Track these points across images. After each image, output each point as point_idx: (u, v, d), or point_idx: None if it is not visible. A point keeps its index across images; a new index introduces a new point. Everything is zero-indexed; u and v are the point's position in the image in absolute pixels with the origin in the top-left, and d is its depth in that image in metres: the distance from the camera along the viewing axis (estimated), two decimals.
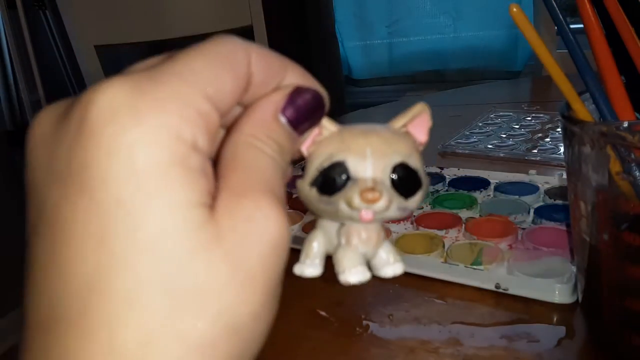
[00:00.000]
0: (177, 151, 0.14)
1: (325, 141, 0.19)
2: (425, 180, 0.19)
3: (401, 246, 0.44)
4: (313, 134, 0.19)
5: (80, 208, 0.14)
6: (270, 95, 0.18)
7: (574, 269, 0.37)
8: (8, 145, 1.48)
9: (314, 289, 0.40)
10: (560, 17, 0.29)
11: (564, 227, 0.44)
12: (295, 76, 0.19)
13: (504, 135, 0.72)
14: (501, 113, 0.83)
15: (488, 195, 0.52)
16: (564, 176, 0.52)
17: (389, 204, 0.18)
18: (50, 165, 0.15)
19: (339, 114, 1.45)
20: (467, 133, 0.74)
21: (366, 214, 0.18)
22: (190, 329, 0.14)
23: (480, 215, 0.48)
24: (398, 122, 0.20)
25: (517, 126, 0.76)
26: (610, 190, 0.27)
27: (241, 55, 0.16)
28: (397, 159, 0.19)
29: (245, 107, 0.18)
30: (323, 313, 0.37)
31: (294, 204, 0.56)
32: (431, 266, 0.41)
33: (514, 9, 0.27)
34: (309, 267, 0.20)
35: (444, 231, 0.46)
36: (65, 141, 0.15)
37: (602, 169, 0.28)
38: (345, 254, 0.19)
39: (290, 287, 0.36)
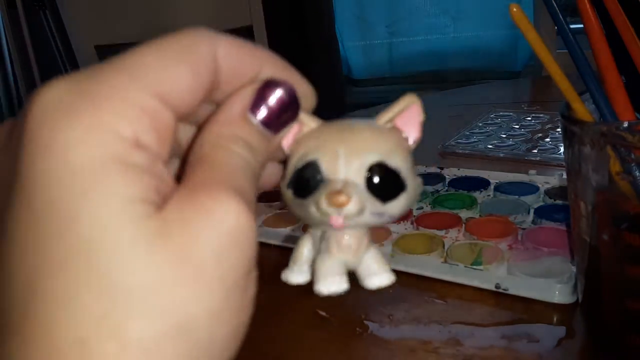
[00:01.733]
0: (114, 149, 0.14)
1: (304, 139, 0.18)
2: (411, 182, 0.17)
3: (401, 246, 0.44)
4: (293, 131, 0.18)
5: (19, 211, 0.14)
6: (239, 91, 0.17)
7: (574, 269, 0.37)
8: None
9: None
10: (560, 17, 0.29)
11: (564, 227, 0.44)
12: (272, 69, 0.17)
13: (504, 135, 0.72)
14: (501, 113, 0.83)
15: (488, 195, 0.52)
16: (564, 176, 0.52)
17: (360, 208, 0.16)
18: (2, 174, 0.15)
19: (339, 114, 1.45)
20: (467, 133, 0.74)
21: (336, 219, 0.16)
22: (128, 328, 0.13)
23: (480, 215, 0.48)
24: (384, 117, 0.18)
25: (517, 126, 0.76)
26: (610, 190, 0.27)
27: (204, 48, 0.15)
28: (373, 158, 0.17)
29: (218, 104, 0.17)
30: (323, 313, 0.37)
31: None
32: (431, 266, 0.41)
33: (514, 9, 0.27)
34: (296, 274, 0.19)
35: (444, 231, 0.46)
36: (11, 147, 0.14)
37: (602, 169, 0.28)
38: (323, 262, 0.18)
39: (290, 287, 0.36)
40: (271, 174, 0.19)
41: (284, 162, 0.18)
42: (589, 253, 0.30)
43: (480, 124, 0.78)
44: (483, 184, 0.54)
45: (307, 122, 0.18)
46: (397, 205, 0.17)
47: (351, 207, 0.16)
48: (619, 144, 0.26)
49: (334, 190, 0.16)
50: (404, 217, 0.49)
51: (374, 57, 1.75)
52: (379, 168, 0.17)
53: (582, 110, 0.29)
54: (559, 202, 0.49)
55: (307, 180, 0.17)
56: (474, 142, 0.71)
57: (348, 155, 0.17)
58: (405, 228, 0.48)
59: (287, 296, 0.36)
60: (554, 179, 0.54)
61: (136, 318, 0.13)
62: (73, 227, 0.13)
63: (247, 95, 0.17)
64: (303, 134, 0.18)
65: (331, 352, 0.34)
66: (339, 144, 0.17)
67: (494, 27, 1.61)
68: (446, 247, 0.43)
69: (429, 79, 1.74)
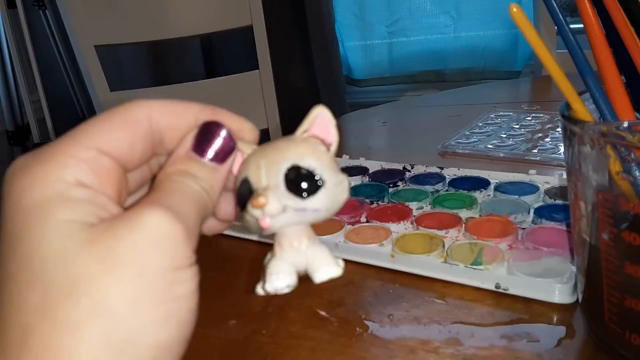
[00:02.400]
0: (56, 189, 0.18)
1: (243, 163, 0.21)
2: (330, 178, 0.20)
3: (401, 246, 0.44)
4: (238, 161, 0.21)
5: None
6: (184, 137, 0.21)
7: (574, 269, 0.37)
8: (8, 145, 1.48)
9: (314, 289, 0.40)
10: (560, 17, 0.29)
11: (564, 227, 0.44)
12: (206, 115, 0.21)
13: (504, 135, 0.72)
14: (501, 113, 0.83)
15: (488, 195, 0.52)
16: (564, 176, 0.52)
17: (279, 205, 0.19)
18: None
19: (339, 114, 1.44)
20: (467, 133, 0.74)
21: (262, 219, 0.19)
22: (58, 311, 0.16)
23: (480, 215, 0.48)
24: (299, 129, 0.21)
25: (517, 126, 0.76)
26: (610, 190, 0.27)
27: (138, 111, 0.20)
28: (288, 163, 0.19)
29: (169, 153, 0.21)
30: (323, 313, 0.37)
31: None
32: (431, 266, 0.41)
33: (514, 9, 0.27)
34: (270, 284, 0.21)
35: (444, 231, 0.46)
36: None
37: (602, 169, 0.28)
38: (270, 264, 0.20)
39: None
40: (229, 204, 0.23)
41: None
42: (589, 253, 0.30)
43: (480, 124, 0.78)
44: (483, 184, 0.54)
45: (245, 150, 0.21)
46: (318, 200, 0.20)
47: (271, 205, 0.19)
48: (619, 144, 0.26)
49: (255, 195, 0.19)
50: (404, 217, 0.49)
51: (374, 57, 1.75)
52: (294, 170, 0.19)
53: (582, 110, 0.29)
54: (559, 202, 0.49)
55: (242, 194, 0.20)
56: (474, 142, 0.71)
57: (268, 165, 0.19)
58: (405, 228, 0.48)
59: (287, 296, 0.36)
60: (554, 179, 0.53)
61: (65, 303, 0.16)
62: (20, 245, 0.17)
63: (189, 138, 0.21)
64: (243, 160, 0.21)
65: (331, 352, 0.34)
66: (261, 159, 0.20)
67: (494, 27, 1.60)
68: (446, 247, 0.43)
69: (429, 79, 1.74)
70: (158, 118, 0.20)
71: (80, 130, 0.19)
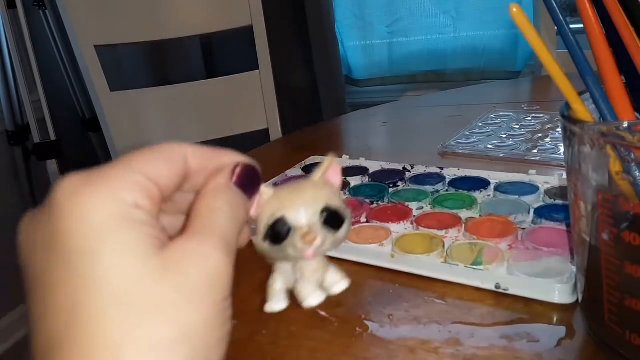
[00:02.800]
0: (121, 209, 0.19)
1: (267, 204, 0.24)
2: (347, 213, 0.25)
3: (401, 246, 0.44)
4: (257, 200, 0.24)
5: (57, 265, 0.19)
6: (221, 171, 0.23)
7: (574, 269, 0.37)
8: (8, 145, 1.48)
9: None
10: (560, 17, 0.29)
11: (564, 227, 0.44)
12: (231, 158, 0.24)
13: (504, 136, 0.72)
14: (501, 113, 0.83)
15: (488, 195, 0.52)
16: (564, 176, 0.52)
17: (324, 240, 0.24)
18: (35, 245, 0.20)
19: (339, 114, 1.44)
20: (467, 133, 0.74)
21: (308, 252, 0.23)
22: (148, 334, 0.18)
23: (480, 215, 0.48)
24: (316, 175, 0.26)
25: (517, 126, 0.76)
26: (610, 190, 0.27)
27: (177, 151, 0.23)
28: (322, 205, 0.24)
29: (197, 191, 0.23)
30: (323, 313, 0.37)
31: None
32: (431, 266, 0.41)
33: (514, 9, 0.27)
34: (276, 304, 0.26)
35: (444, 231, 0.46)
36: (41, 225, 0.20)
37: (602, 169, 0.28)
38: (303, 285, 0.25)
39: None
40: (245, 233, 0.25)
41: (253, 223, 0.25)
42: (589, 253, 0.30)
43: (480, 124, 0.78)
44: (483, 184, 0.54)
45: (265, 191, 0.25)
46: (345, 230, 0.25)
47: (318, 241, 0.23)
48: (619, 144, 0.26)
49: (305, 233, 0.23)
50: (404, 217, 0.49)
51: (374, 57, 1.75)
52: (327, 210, 0.24)
53: (582, 110, 0.29)
54: (559, 202, 0.49)
55: (279, 232, 0.23)
56: (474, 142, 0.71)
57: (305, 207, 0.24)
58: (405, 228, 0.48)
59: (288, 296, 0.36)
60: (554, 179, 0.53)
61: (155, 327, 0.18)
62: (97, 266, 0.18)
63: (226, 172, 0.23)
64: (265, 201, 0.24)
65: (331, 352, 0.34)
66: (297, 201, 0.24)
67: (494, 27, 1.60)
68: (446, 247, 0.43)
69: (429, 79, 1.74)
70: (192, 159, 0.23)
71: (129, 158, 0.21)
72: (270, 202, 0.24)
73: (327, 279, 0.26)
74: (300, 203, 0.24)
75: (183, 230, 0.21)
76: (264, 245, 0.24)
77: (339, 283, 0.26)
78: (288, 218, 0.23)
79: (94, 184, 0.19)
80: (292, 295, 0.27)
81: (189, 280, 0.19)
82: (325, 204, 0.24)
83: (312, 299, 0.25)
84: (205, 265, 0.20)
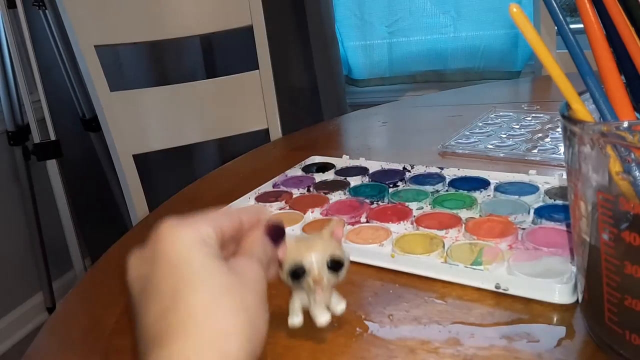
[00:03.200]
0: (201, 236, 0.29)
1: (290, 251, 0.34)
2: (346, 260, 0.35)
3: (401, 246, 0.44)
4: (283, 247, 0.34)
5: (159, 271, 0.28)
6: (259, 228, 0.34)
7: (574, 269, 0.37)
8: (8, 145, 1.48)
9: None
10: (560, 17, 0.29)
11: (564, 227, 0.44)
12: (266, 216, 0.35)
13: (504, 135, 0.72)
14: (501, 113, 0.83)
15: (488, 195, 0.52)
16: (564, 176, 0.52)
17: (328, 280, 0.34)
18: (142, 270, 0.29)
19: (339, 114, 1.44)
20: (467, 133, 0.74)
21: (318, 290, 0.33)
22: (224, 303, 0.27)
23: (480, 215, 0.48)
24: (326, 232, 0.36)
25: (517, 126, 0.76)
26: (610, 190, 0.27)
27: (235, 212, 0.33)
28: (328, 256, 0.34)
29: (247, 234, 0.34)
30: None
31: (295, 204, 0.56)
32: (431, 266, 0.41)
33: (514, 9, 0.27)
34: (296, 319, 0.35)
35: (444, 231, 0.46)
36: (145, 256, 0.29)
37: (602, 169, 0.28)
38: (315, 308, 0.34)
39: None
40: (272, 269, 0.35)
41: (280, 262, 0.35)
42: (589, 253, 0.30)
43: (480, 124, 0.78)
44: (483, 184, 0.54)
45: (289, 242, 0.35)
46: (343, 273, 0.35)
47: (324, 281, 0.34)
48: (619, 144, 0.26)
49: (315, 278, 0.33)
50: (404, 217, 0.49)
51: (374, 57, 1.75)
52: (332, 260, 0.34)
53: (582, 110, 0.29)
54: (559, 202, 0.49)
55: (298, 273, 0.34)
56: (474, 142, 0.71)
57: (316, 258, 0.34)
58: (405, 228, 0.48)
59: (287, 296, 0.36)
60: (554, 179, 0.54)
61: (227, 300, 0.27)
62: (189, 266, 0.27)
63: (261, 229, 0.34)
64: (289, 249, 0.35)
65: (331, 352, 0.34)
66: (311, 252, 0.34)
67: (494, 27, 1.60)
68: (446, 247, 0.43)
69: (429, 79, 1.74)
70: (244, 217, 0.33)
71: (207, 213, 0.31)
72: (292, 250, 0.34)
73: (332, 300, 0.35)
74: (313, 254, 0.34)
75: (235, 255, 0.32)
76: (287, 279, 0.34)
77: (339, 304, 0.35)
78: (305, 264, 0.33)
79: (183, 223, 0.29)
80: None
81: (245, 276, 0.29)
82: (330, 256, 0.34)
83: (323, 318, 0.34)
84: (253, 269, 0.30)
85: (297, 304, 0.35)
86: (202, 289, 0.27)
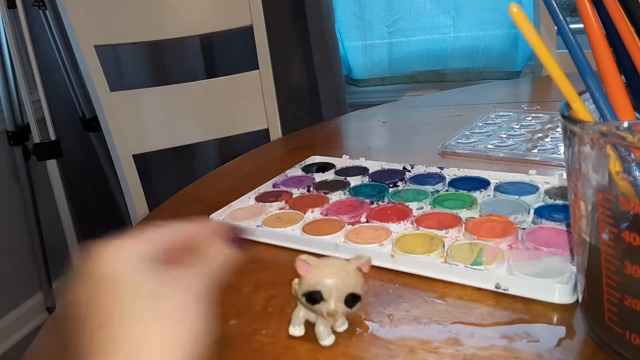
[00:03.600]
0: (132, 252, 0.28)
1: (311, 270, 0.34)
2: (363, 292, 0.34)
3: (401, 246, 0.44)
4: (306, 265, 0.34)
5: (96, 289, 0.27)
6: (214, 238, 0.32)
7: (574, 269, 0.37)
8: (8, 145, 1.48)
9: None
10: (560, 17, 0.29)
11: (564, 227, 0.44)
12: (221, 227, 0.33)
13: (504, 135, 0.72)
14: (501, 113, 0.83)
15: (488, 195, 0.52)
16: (564, 176, 0.52)
17: (342, 316, 0.34)
18: (79, 293, 0.28)
19: (339, 114, 1.44)
20: (467, 133, 0.74)
21: (330, 321, 0.34)
22: (154, 307, 0.26)
23: (480, 215, 0.48)
24: (353, 265, 0.34)
25: (517, 126, 0.76)
26: (610, 190, 0.27)
27: (182, 226, 0.31)
28: (348, 292, 0.33)
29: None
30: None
31: (295, 204, 0.56)
32: (431, 266, 0.41)
33: (514, 9, 0.27)
34: (297, 330, 0.36)
35: (444, 231, 0.46)
36: (81, 278, 0.28)
37: (602, 169, 0.28)
38: (321, 329, 0.35)
39: (290, 288, 0.36)
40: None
41: (298, 277, 0.35)
42: (589, 253, 0.30)
43: (480, 124, 0.78)
44: (483, 184, 0.54)
45: (311, 261, 0.34)
46: (356, 307, 0.34)
47: (338, 317, 0.33)
48: (619, 144, 0.26)
49: (330, 311, 0.33)
50: (404, 217, 0.49)
51: (374, 57, 1.74)
52: (351, 296, 0.33)
53: (582, 110, 0.29)
54: (559, 202, 0.49)
55: (314, 298, 0.33)
56: (474, 142, 0.71)
57: (336, 289, 0.33)
58: (405, 228, 0.48)
59: (288, 296, 0.36)
60: (554, 179, 0.53)
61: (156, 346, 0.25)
62: (120, 281, 0.27)
63: (214, 238, 0.32)
64: (313, 266, 0.34)
65: (331, 352, 0.34)
66: (331, 282, 0.33)
67: (494, 27, 1.60)
68: (446, 247, 0.43)
69: (429, 79, 1.74)
70: (194, 232, 0.31)
71: (145, 231, 0.30)
72: (314, 271, 0.34)
73: (338, 324, 0.35)
74: (334, 287, 0.33)
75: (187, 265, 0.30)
76: (302, 300, 0.34)
77: (343, 324, 0.36)
78: (323, 293, 0.33)
79: (114, 242, 0.28)
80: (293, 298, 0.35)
81: (180, 281, 0.28)
82: (351, 291, 0.33)
83: (327, 341, 0.34)
84: (188, 274, 0.29)
85: (301, 314, 0.35)
86: (134, 301, 0.26)
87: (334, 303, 0.33)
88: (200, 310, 0.27)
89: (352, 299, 0.33)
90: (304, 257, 0.34)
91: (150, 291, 0.26)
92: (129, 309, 0.25)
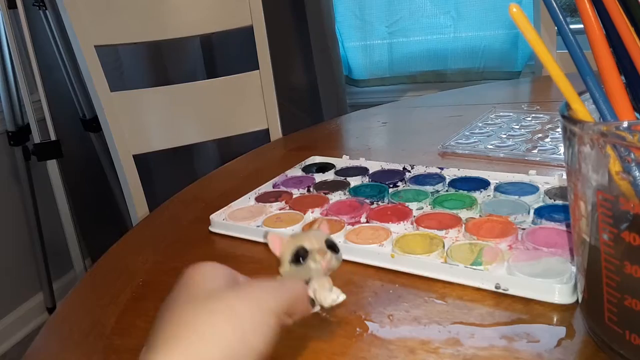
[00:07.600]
0: (215, 266, 0.32)
1: (286, 245, 0.35)
2: (338, 246, 0.36)
3: (401, 246, 0.44)
4: (277, 245, 0.36)
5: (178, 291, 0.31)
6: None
7: (574, 269, 0.37)
8: (8, 145, 1.48)
9: None
10: (560, 17, 0.29)
11: (564, 227, 0.44)
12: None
13: (504, 136, 0.72)
14: (501, 113, 0.83)
15: (488, 196, 0.52)
16: (564, 176, 0.52)
17: (330, 256, 0.35)
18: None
19: (339, 114, 1.44)
20: (467, 133, 0.74)
21: (324, 263, 0.34)
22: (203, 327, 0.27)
23: (480, 216, 0.48)
24: (314, 226, 0.38)
25: (517, 126, 0.76)
26: (610, 190, 0.27)
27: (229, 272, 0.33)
28: (324, 237, 0.36)
29: None
30: (323, 313, 0.37)
31: (295, 205, 0.56)
32: (431, 266, 0.41)
33: (514, 9, 0.27)
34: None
35: (444, 231, 0.46)
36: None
37: (602, 169, 0.28)
38: (322, 290, 0.34)
39: None
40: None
41: (278, 260, 0.36)
42: (589, 253, 0.30)
43: (480, 124, 0.78)
44: (483, 184, 0.54)
45: (284, 237, 0.36)
46: (340, 256, 0.36)
47: (328, 254, 0.35)
48: (619, 144, 0.26)
49: (319, 250, 0.35)
50: (404, 217, 0.49)
51: (374, 57, 1.75)
52: (328, 240, 0.36)
53: (582, 110, 0.29)
54: (559, 202, 0.49)
55: (300, 255, 0.35)
56: (474, 142, 0.71)
57: (317, 240, 0.35)
58: (405, 228, 0.48)
59: None
60: (554, 179, 0.54)
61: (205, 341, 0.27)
62: (198, 285, 0.30)
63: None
64: (284, 244, 0.35)
65: (331, 352, 0.34)
66: (308, 236, 0.35)
67: (494, 27, 1.60)
68: (446, 247, 0.43)
69: (429, 79, 1.74)
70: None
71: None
72: (288, 243, 0.35)
73: (333, 291, 0.35)
74: (310, 237, 0.35)
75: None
76: (290, 269, 0.35)
77: (340, 295, 0.34)
78: (306, 245, 0.35)
79: (205, 264, 0.32)
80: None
81: (246, 288, 0.31)
82: (326, 237, 0.36)
83: (332, 296, 0.34)
84: (261, 287, 0.31)
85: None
86: (207, 300, 0.29)
87: (316, 243, 0.35)
88: (264, 320, 0.29)
89: (332, 245, 0.35)
90: (272, 233, 0.38)
91: (224, 295, 0.29)
92: (202, 306, 0.28)
